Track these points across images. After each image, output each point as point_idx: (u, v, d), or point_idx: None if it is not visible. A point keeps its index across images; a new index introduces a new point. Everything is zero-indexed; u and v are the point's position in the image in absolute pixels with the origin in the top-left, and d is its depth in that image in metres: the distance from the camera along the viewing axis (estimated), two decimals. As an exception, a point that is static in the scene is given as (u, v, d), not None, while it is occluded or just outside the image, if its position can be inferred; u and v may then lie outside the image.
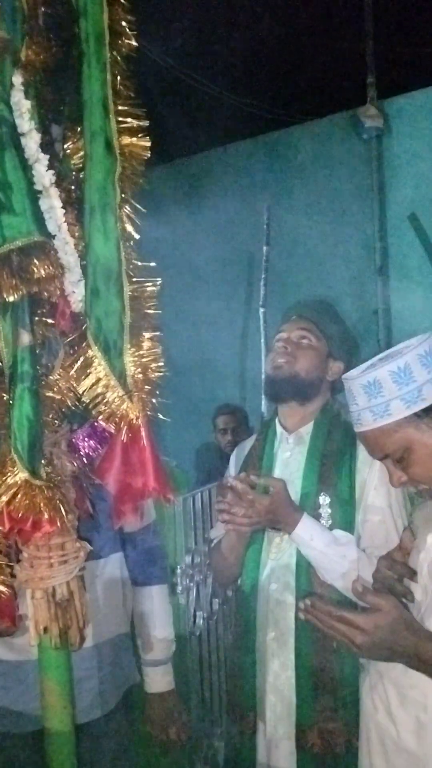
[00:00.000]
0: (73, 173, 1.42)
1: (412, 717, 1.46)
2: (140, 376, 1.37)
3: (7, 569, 1.48)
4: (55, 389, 1.42)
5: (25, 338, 1.35)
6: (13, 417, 1.34)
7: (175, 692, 2.03)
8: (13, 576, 1.48)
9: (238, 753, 2.01)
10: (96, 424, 1.52)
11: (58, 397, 1.42)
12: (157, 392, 1.40)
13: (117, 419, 1.37)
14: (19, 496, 1.32)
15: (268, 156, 6.04)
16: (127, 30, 1.38)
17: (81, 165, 1.39)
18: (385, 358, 1.47)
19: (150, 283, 1.40)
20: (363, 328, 5.32)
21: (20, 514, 1.33)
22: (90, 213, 1.35)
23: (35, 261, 1.30)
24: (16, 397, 1.34)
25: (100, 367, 1.35)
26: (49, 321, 1.42)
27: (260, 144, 6.16)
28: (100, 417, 1.39)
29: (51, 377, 1.42)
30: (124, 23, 1.37)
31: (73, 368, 1.40)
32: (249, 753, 1.98)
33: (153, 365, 1.38)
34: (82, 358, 1.38)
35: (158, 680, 2.01)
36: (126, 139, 1.37)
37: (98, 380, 1.36)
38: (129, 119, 1.37)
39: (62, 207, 1.36)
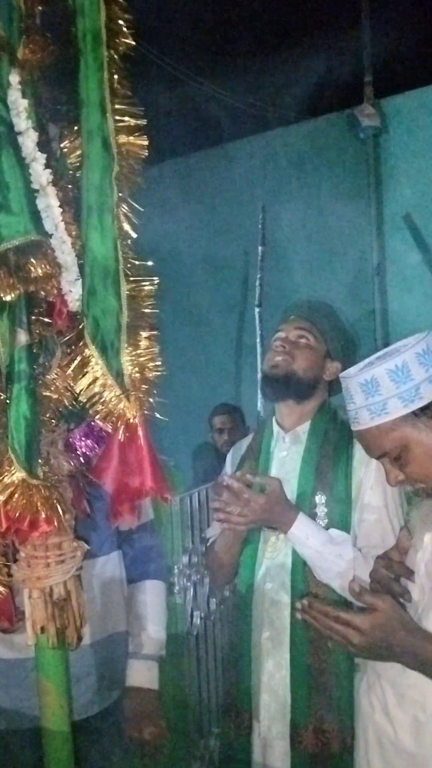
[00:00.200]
0: (71, 172, 1.41)
1: (410, 717, 1.46)
2: (137, 375, 1.37)
3: (4, 569, 1.48)
4: (52, 388, 1.41)
5: (22, 337, 1.35)
6: (10, 416, 1.34)
7: (157, 694, 1.96)
8: (10, 575, 1.48)
9: (234, 752, 2.01)
10: (93, 423, 1.51)
11: (55, 396, 1.42)
12: (154, 392, 1.40)
13: (114, 418, 1.37)
14: (16, 495, 1.32)
15: (265, 155, 6.04)
16: (124, 29, 1.38)
17: (78, 164, 1.39)
18: (382, 356, 1.47)
19: (147, 282, 1.40)
20: (360, 328, 5.31)
21: (17, 514, 1.33)
22: (87, 212, 1.35)
23: (32, 260, 1.30)
24: (13, 397, 1.34)
25: (97, 367, 1.35)
26: (46, 320, 1.42)
27: (257, 143, 6.15)
28: (97, 416, 1.39)
29: (48, 376, 1.41)
30: (121, 22, 1.37)
31: (70, 367, 1.40)
32: (244, 753, 1.98)
33: (150, 364, 1.38)
34: (79, 358, 1.38)
35: (141, 675, 1.94)
36: (123, 138, 1.37)
37: (95, 379, 1.36)
38: (126, 118, 1.37)
39: (59, 206, 1.36)
